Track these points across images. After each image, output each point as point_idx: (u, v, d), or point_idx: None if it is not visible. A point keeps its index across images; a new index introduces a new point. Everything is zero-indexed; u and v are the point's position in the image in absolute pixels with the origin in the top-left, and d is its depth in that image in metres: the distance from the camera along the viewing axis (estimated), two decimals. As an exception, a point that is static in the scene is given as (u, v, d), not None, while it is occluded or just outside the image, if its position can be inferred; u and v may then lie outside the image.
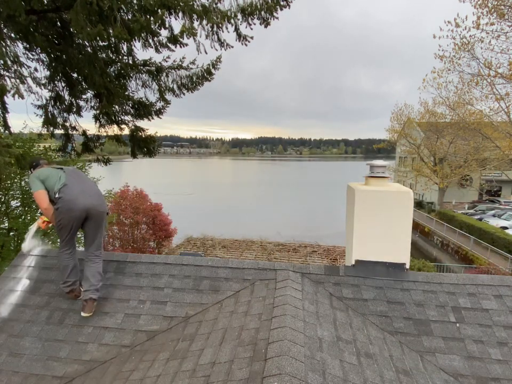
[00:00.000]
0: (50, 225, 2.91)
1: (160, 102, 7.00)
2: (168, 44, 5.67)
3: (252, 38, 5.44)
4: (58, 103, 6.52)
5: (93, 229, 2.74)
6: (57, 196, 2.65)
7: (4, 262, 7.71)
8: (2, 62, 4.66)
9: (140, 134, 7.33)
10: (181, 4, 4.44)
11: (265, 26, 5.31)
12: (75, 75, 6.02)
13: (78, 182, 2.77)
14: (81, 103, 6.76)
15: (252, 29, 5.28)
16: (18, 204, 9.08)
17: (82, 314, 2.58)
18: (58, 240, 2.82)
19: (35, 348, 2.44)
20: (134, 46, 5.93)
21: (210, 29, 5.10)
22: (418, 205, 27.56)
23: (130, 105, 6.89)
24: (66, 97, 6.53)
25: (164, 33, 5.38)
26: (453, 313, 2.52)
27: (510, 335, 2.36)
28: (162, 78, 6.61)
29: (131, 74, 6.46)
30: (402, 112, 26.81)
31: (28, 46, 5.43)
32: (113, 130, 7.24)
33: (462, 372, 2.19)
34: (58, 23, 5.33)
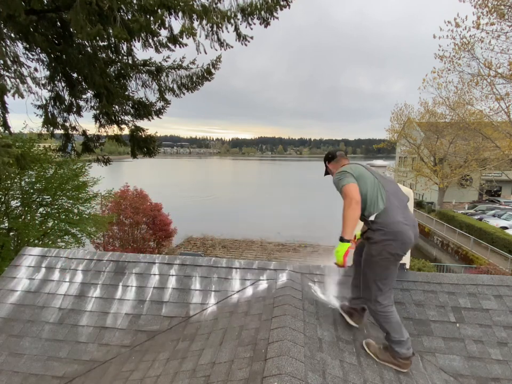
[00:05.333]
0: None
1: (160, 102, 7.02)
2: (168, 44, 5.69)
3: (251, 38, 5.45)
4: (58, 103, 6.53)
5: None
6: (371, 218, 2.01)
7: (4, 262, 7.71)
8: (2, 62, 4.66)
9: (140, 134, 7.34)
10: (180, 3, 4.44)
11: (265, 26, 5.31)
12: (75, 75, 6.03)
13: (399, 204, 2.06)
14: (81, 103, 6.77)
15: (251, 29, 5.29)
16: (18, 204, 9.09)
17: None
18: (373, 283, 2.07)
19: (35, 347, 2.44)
20: (134, 46, 5.95)
21: (210, 29, 5.11)
22: (418, 205, 27.56)
23: (130, 105, 6.90)
24: (66, 97, 6.55)
25: (164, 33, 5.41)
26: (453, 313, 2.52)
27: (510, 335, 2.36)
28: (162, 78, 6.62)
29: (131, 74, 6.48)
30: (402, 112, 26.81)
31: (28, 46, 5.44)
32: (113, 130, 7.26)
33: (462, 372, 2.19)
34: (58, 23, 5.34)
